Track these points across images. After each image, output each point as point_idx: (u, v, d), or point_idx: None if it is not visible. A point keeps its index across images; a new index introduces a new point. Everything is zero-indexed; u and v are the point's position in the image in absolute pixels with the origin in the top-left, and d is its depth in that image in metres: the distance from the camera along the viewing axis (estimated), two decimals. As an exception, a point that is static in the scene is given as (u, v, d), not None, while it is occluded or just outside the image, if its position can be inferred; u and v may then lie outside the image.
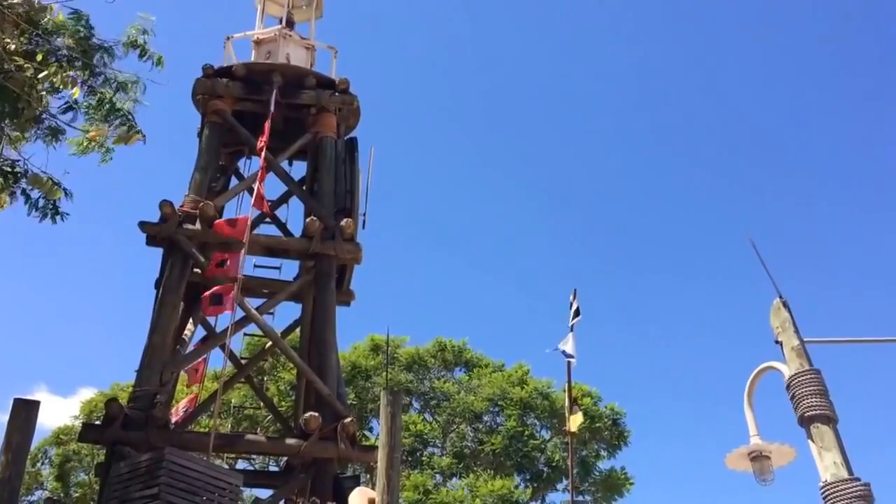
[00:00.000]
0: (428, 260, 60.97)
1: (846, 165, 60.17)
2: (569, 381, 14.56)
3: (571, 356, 14.37)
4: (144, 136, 14.99)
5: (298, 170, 17.52)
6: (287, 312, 17.96)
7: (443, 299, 57.03)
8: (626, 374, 53.20)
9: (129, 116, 14.75)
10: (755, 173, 62.23)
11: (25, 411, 9.88)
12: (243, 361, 17.52)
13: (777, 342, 8.38)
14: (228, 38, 17.21)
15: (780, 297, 8.50)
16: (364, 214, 15.93)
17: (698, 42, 62.03)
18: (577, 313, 14.63)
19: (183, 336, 15.52)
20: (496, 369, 29.52)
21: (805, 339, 8.19)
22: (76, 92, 12.22)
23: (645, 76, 63.00)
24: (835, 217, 60.32)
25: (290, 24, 17.71)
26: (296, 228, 16.52)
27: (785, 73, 59.88)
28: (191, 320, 15.70)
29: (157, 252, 14.82)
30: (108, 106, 14.60)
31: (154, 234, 14.53)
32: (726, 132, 62.33)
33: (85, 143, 14.57)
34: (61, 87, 11.97)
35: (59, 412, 53.62)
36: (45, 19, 13.21)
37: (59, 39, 14.43)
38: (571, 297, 15.78)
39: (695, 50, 61.99)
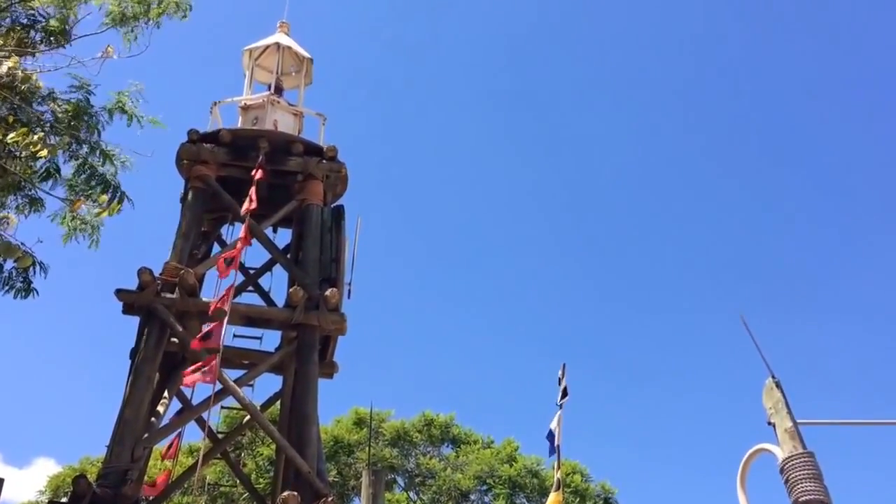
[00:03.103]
0: (415, 332, 60.47)
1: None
2: (557, 463, 14.04)
3: (554, 447, 13.92)
4: (130, 199, 14.86)
5: (283, 238, 17.28)
6: (267, 385, 17.54)
7: (430, 372, 56.25)
8: (618, 450, 52.27)
9: (113, 184, 14.63)
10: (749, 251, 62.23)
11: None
12: (220, 436, 16.98)
13: (770, 423, 8.25)
14: (215, 104, 17.11)
15: (773, 376, 8.36)
16: (350, 284, 15.66)
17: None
18: (565, 392, 14.20)
19: (157, 409, 15.03)
20: (485, 445, 28.95)
21: (798, 421, 8.02)
22: (44, 153, 12.04)
23: (645, 143, 63.49)
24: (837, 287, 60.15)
25: (278, 90, 17.65)
26: (279, 298, 16.26)
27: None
28: (166, 392, 15.22)
29: (134, 321, 14.47)
30: (88, 172, 14.50)
31: (131, 302, 14.20)
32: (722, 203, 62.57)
33: (70, 227, 14.41)
34: (32, 150, 11.83)
35: (15, 484, 51.98)
36: (27, 86, 13.16)
37: (43, 106, 14.39)
38: (560, 373, 15.36)
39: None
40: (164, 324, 13.97)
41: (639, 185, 63.79)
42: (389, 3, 61.12)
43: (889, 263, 58.68)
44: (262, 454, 25.50)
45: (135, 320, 14.40)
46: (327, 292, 14.63)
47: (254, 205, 14.48)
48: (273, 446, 19.38)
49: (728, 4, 59.51)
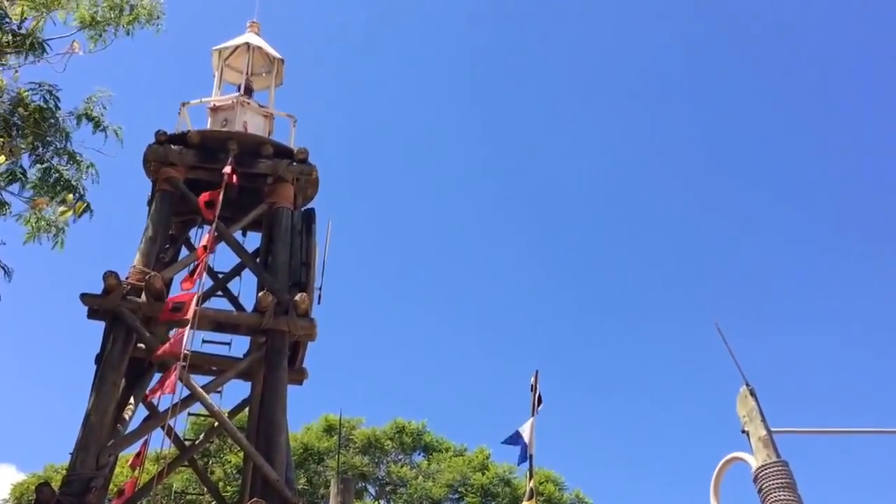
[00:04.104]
0: (386, 338, 60.20)
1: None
2: (530, 472, 13.90)
3: (525, 453, 13.79)
4: (92, 210, 14.65)
5: (253, 241, 17.06)
6: (236, 391, 17.28)
7: (402, 379, 56.12)
8: (592, 459, 52.35)
9: (77, 188, 14.40)
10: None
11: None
12: (187, 443, 16.69)
13: (744, 432, 8.23)
14: (184, 105, 16.88)
15: (747, 384, 8.33)
16: (320, 289, 15.46)
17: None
18: (539, 400, 14.09)
19: (123, 415, 14.77)
20: (457, 453, 28.82)
21: (772, 430, 7.98)
22: (2, 159, 11.85)
23: (610, 166, 63.74)
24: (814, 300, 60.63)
25: (248, 91, 17.44)
26: (248, 302, 16.02)
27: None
28: (132, 398, 14.95)
29: (100, 326, 14.20)
30: (55, 176, 14.27)
31: (96, 306, 13.96)
32: (694, 213, 62.93)
33: (34, 227, 14.15)
34: None
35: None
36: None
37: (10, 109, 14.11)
38: (533, 380, 15.25)
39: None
40: (130, 329, 13.74)
41: (614, 194, 64.11)
42: (362, 3, 60.97)
43: (863, 274, 59.34)
44: (230, 462, 25.21)
45: (101, 325, 14.16)
46: (297, 297, 14.44)
47: (216, 209, 14.34)
48: (241, 454, 19.11)
49: (691, 16, 59.94)
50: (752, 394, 8.24)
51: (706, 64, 61.24)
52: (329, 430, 27.20)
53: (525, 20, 61.54)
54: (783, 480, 7.42)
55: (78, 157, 14.45)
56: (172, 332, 13.71)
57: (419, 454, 29.09)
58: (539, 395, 14.87)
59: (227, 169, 14.99)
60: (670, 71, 61.39)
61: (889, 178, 58.66)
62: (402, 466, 27.96)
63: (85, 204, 14.56)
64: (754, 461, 7.76)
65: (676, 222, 62.58)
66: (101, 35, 15.00)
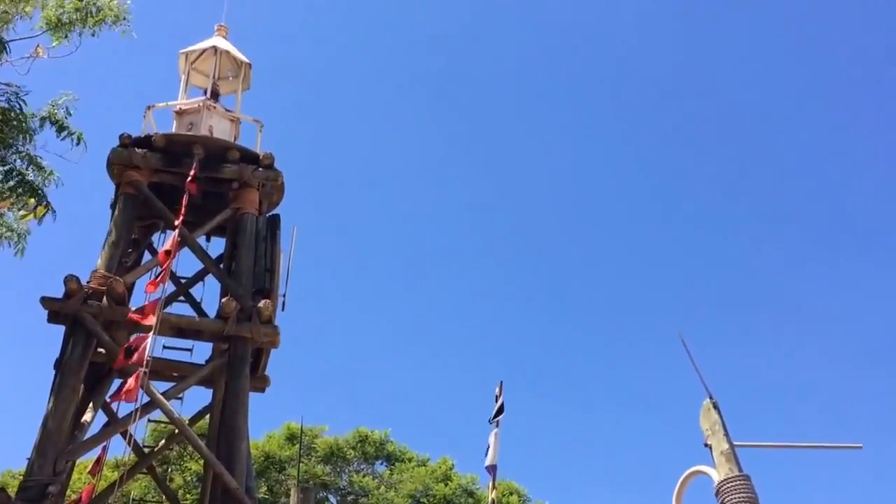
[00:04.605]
0: (351, 346, 59.72)
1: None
2: (492, 483, 13.87)
3: (491, 465, 13.76)
4: (54, 211, 14.48)
5: (217, 247, 16.91)
6: (197, 398, 17.09)
7: (366, 388, 55.76)
8: (556, 471, 52.39)
9: (39, 191, 14.23)
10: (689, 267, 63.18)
11: None
12: (146, 450, 16.47)
13: (706, 445, 8.24)
14: (149, 108, 16.70)
15: (711, 397, 8.36)
16: (284, 296, 15.38)
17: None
18: (500, 410, 14.06)
19: (82, 421, 14.55)
20: (420, 463, 28.74)
21: (735, 443, 8.02)
22: None
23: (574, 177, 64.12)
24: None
25: (215, 95, 17.28)
26: (211, 308, 15.88)
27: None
28: (91, 404, 14.74)
29: (60, 330, 14.00)
30: (18, 178, 14.09)
31: (56, 310, 13.79)
32: (655, 225, 63.45)
33: None
34: None
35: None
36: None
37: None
38: (497, 391, 15.23)
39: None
40: (91, 333, 13.58)
41: (581, 203, 64.40)
42: (330, 7, 60.82)
43: (828, 287, 60.08)
44: (189, 469, 24.95)
45: (61, 329, 13.96)
46: (260, 304, 14.35)
47: (181, 214, 14.23)
48: (201, 461, 18.90)
49: (661, 26, 60.58)
50: (716, 407, 8.28)
51: (678, 72, 61.88)
52: (291, 438, 27.02)
53: (493, 24, 61.80)
54: (745, 494, 7.45)
55: (40, 162, 14.32)
56: (133, 337, 13.55)
57: (382, 464, 28.98)
58: (501, 406, 14.86)
59: (189, 179, 14.85)
60: (639, 82, 61.94)
61: (852, 192, 59.63)
62: (364, 476, 27.83)
63: (45, 210, 14.42)
64: (716, 475, 7.78)
65: (646, 233, 63.01)
66: (66, 36, 14.85)
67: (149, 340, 12.71)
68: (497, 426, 14.58)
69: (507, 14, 60.59)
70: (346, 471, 27.88)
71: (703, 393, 8.41)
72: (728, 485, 7.57)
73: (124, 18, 15.22)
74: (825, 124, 59.43)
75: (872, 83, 57.04)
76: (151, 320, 12.97)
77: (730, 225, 62.32)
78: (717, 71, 60.80)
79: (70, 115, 14.53)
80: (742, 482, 7.54)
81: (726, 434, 8.05)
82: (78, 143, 14.59)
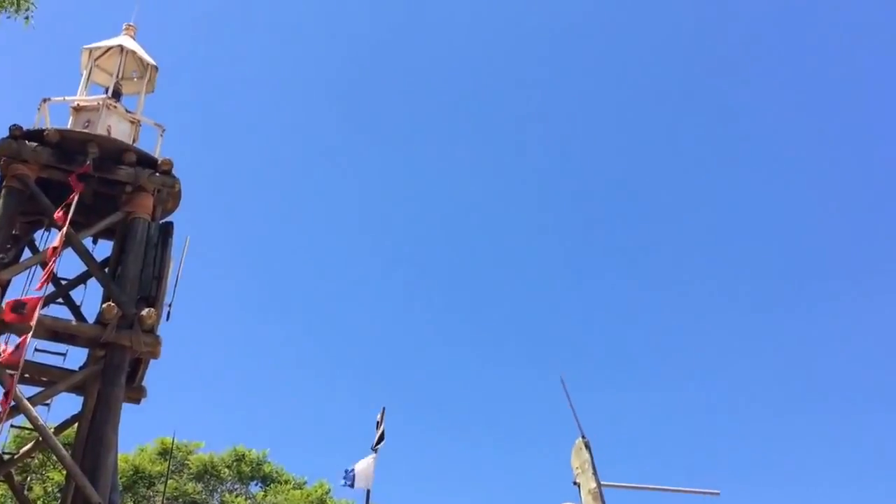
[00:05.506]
0: (234, 362, 58.53)
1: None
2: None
3: (352, 480, 13.66)
4: None
5: (103, 250, 16.32)
6: (66, 405, 16.35)
7: (248, 405, 54.58)
8: (431, 496, 52.20)
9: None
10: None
11: None
12: (6, 457, 15.67)
13: (576, 483, 8.40)
14: (45, 101, 16.06)
15: (583, 437, 8.55)
16: (170, 305, 14.97)
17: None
18: (381, 437, 13.99)
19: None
20: (296, 486, 28.19)
21: (602, 483, 8.20)
22: None
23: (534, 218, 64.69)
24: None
25: (116, 94, 16.78)
26: (90, 313, 15.28)
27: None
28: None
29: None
30: None
31: (-79, 304, 13.05)
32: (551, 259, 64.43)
33: None
34: None
35: None
36: None
37: None
38: (379, 417, 15.18)
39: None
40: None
41: (479, 232, 64.93)
42: (243, 11, 60.08)
43: (715, 332, 61.76)
44: (51, 479, 23.86)
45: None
46: (144, 312, 13.92)
47: (68, 214, 13.69)
48: (64, 472, 18.08)
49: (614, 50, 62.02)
50: (587, 446, 8.47)
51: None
52: (164, 453, 26.12)
53: (401, 28, 62.13)
54: (611, 536, 7.63)
55: None
56: (2, 338, 12.94)
57: (257, 485, 28.30)
58: (382, 432, 14.81)
59: (75, 175, 14.31)
60: (550, 113, 63.07)
61: (740, 237, 61.81)
62: (237, 496, 27.13)
63: None
64: (584, 514, 7.93)
65: (544, 272, 63.95)
66: None
67: (28, 339, 12.19)
68: (376, 452, 14.52)
69: (411, 20, 61.09)
70: (219, 490, 27.12)
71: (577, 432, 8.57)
72: (595, 525, 7.72)
73: (28, 7, 14.62)
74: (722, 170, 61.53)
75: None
76: (27, 320, 12.41)
77: (616, 274, 63.84)
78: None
79: None
80: (609, 524, 7.71)
81: (594, 473, 8.24)
82: None
